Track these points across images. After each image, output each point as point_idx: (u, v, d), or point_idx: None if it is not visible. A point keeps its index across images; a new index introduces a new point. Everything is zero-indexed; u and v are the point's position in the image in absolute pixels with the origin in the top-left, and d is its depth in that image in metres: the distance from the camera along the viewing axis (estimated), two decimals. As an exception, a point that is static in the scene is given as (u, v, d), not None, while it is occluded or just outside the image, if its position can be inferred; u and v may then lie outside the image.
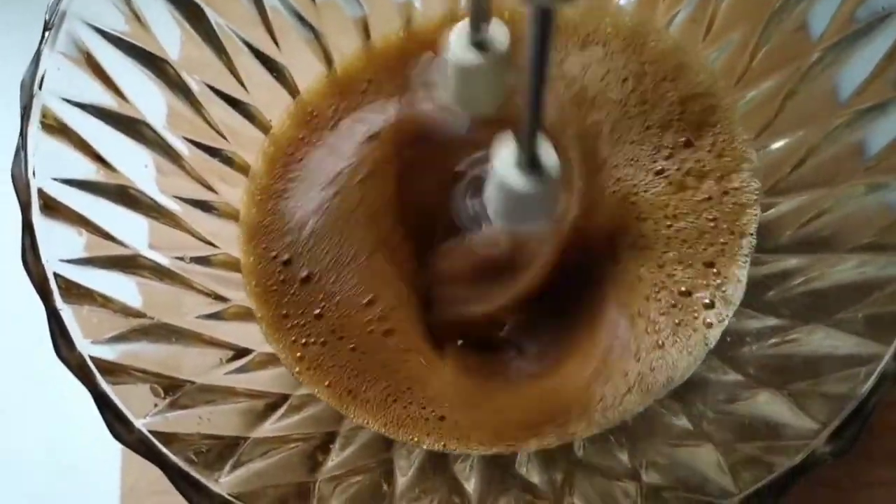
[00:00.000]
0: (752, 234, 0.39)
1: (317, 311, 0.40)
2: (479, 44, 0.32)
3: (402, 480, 0.36)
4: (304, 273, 0.41)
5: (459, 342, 0.40)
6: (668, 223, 0.40)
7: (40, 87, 0.35)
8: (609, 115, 0.42)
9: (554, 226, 0.38)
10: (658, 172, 0.40)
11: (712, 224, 0.39)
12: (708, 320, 0.38)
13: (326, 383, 0.39)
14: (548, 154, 0.30)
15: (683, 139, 0.41)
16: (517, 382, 0.40)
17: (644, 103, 0.42)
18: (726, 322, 0.38)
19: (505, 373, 0.40)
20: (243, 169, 0.43)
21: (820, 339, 0.34)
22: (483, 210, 0.37)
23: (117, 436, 0.31)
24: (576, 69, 0.43)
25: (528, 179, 0.30)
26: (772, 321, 0.36)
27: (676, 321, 0.38)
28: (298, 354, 0.39)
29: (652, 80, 0.42)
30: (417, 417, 0.38)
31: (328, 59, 0.45)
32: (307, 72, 0.44)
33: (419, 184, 0.42)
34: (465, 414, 0.38)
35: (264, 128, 0.44)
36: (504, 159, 0.30)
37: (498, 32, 0.32)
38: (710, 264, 0.39)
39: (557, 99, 0.41)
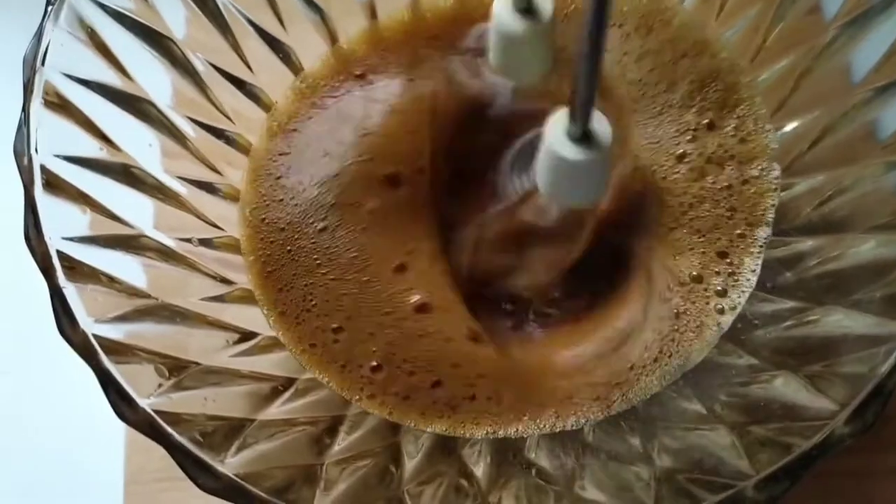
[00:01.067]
0: (768, 224, 0.38)
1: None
2: (525, 10, 0.32)
3: (409, 464, 0.35)
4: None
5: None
6: (685, 210, 0.39)
7: (43, 63, 0.34)
8: (629, 95, 0.41)
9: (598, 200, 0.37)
10: (680, 157, 0.40)
11: (729, 214, 0.39)
12: (720, 306, 0.37)
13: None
14: (600, 124, 0.30)
15: (707, 121, 0.40)
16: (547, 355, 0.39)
17: (663, 82, 0.41)
18: (738, 309, 0.37)
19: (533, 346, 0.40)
20: (248, 151, 0.42)
21: (837, 321, 0.33)
22: (527, 182, 0.37)
23: (121, 415, 0.30)
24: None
25: (580, 149, 0.30)
26: (787, 303, 0.36)
27: (687, 307, 0.38)
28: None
29: (671, 58, 0.41)
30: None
31: (334, 41, 0.44)
32: (313, 54, 0.44)
33: (455, 155, 0.41)
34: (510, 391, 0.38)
35: (269, 109, 0.43)
36: (556, 129, 0.30)
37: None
38: (724, 254, 0.38)
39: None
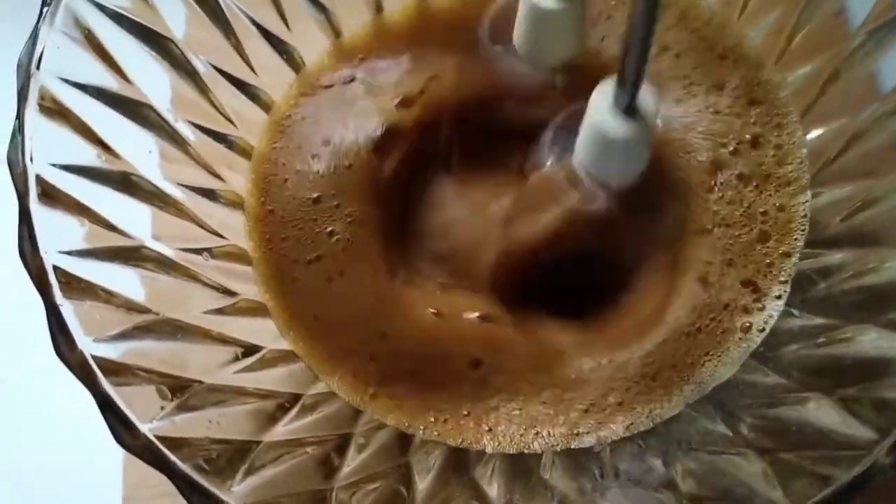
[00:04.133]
0: (797, 254, 0.37)
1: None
2: None
3: (421, 486, 0.34)
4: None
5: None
6: (711, 228, 0.38)
7: (38, 67, 0.33)
8: (669, 92, 0.39)
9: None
10: (716, 171, 0.38)
11: (761, 241, 0.37)
12: (746, 323, 0.36)
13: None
14: (647, 98, 0.30)
15: (749, 136, 0.38)
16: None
17: (706, 82, 0.39)
18: (767, 330, 0.36)
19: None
20: (250, 155, 0.41)
21: (871, 341, 0.32)
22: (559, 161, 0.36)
23: (122, 442, 0.29)
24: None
25: (627, 122, 0.29)
26: (816, 320, 0.34)
27: (711, 322, 0.36)
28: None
29: (714, 58, 0.40)
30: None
31: (338, 38, 0.43)
32: (318, 53, 0.43)
33: (466, 143, 0.40)
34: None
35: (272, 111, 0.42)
36: (601, 101, 0.30)
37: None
38: (750, 282, 0.37)
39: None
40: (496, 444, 0.36)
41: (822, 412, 0.31)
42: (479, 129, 0.41)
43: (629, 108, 0.29)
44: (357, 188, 0.40)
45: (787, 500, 0.28)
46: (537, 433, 0.36)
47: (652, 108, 0.29)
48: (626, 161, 0.32)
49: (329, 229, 0.39)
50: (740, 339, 0.36)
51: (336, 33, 0.43)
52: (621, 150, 0.31)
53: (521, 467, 0.35)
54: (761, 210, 0.37)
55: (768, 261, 0.37)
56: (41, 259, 0.31)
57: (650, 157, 0.32)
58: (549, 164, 0.38)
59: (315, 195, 0.39)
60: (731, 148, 0.38)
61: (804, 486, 0.28)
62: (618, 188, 0.34)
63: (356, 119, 0.41)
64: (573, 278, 0.39)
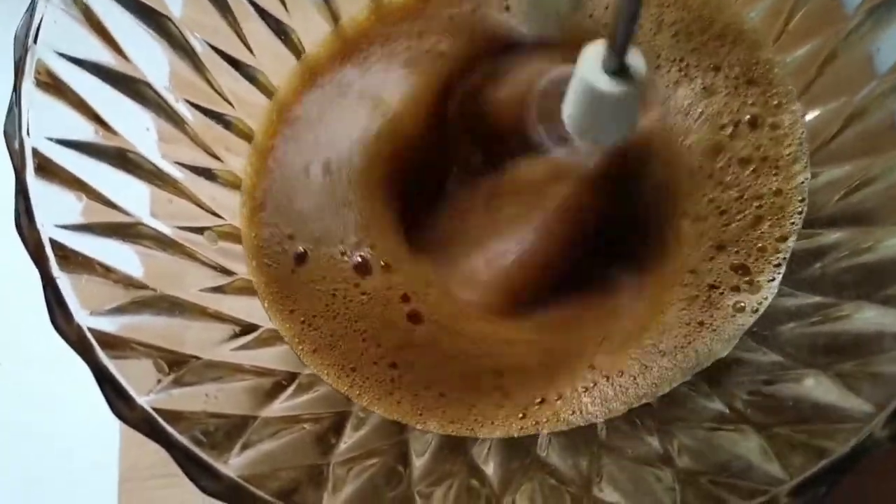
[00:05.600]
0: (792, 238, 0.37)
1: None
2: None
3: (418, 463, 0.34)
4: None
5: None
6: (706, 214, 0.38)
7: (35, 41, 0.32)
8: (667, 74, 0.39)
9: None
10: (714, 153, 0.38)
11: (754, 228, 0.37)
12: (740, 304, 0.36)
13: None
14: (635, 58, 0.30)
15: (749, 116, 0.38)
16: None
17: (703, 64, 0.39)
18: (761, 310, 0.36)
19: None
20: (248, 136, 0.41)
21: (868, 317, 0.32)
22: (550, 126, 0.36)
23: (119, 414, 0.29)
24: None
25: (616, 82, 0.30)
26: (812, 298, 0.34)
27: (701, 306, 0.36)
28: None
29: (710, 38, 0.40)
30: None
31: (336, 21, 0.43)
32: (315, 36, 0.43)
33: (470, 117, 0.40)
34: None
35: (270, 94, 0.42)
36: (590, 61, 0.30)
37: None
38: (742, 267, 0.37)
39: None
40: (491, 428, 0.36)
41: (819, 388, 0.31)
42: (476, 101, 0.41)
43: (619, 70, 0.30)
44: (359, 175, 0.40)
45: (784, 472, 0.28)
46: (525, 413, 0.36)
47: (640, 69, 0.30)
48: (616, 123, 0.32)
49: (326, 217, 0.39)
50: (732, 317, 0.36)
51: (335, 17, 0.43)
52: (612, 112, 0.31)
53: (517, 446, 0.35)
54: (758, 195, 0.37)
55: (761, 244, 0.37)
56: (38, 232, 0.31)
57: (637, 117, 0.33)
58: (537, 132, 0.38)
59: (314, 182, 0.40)
60: (729, 131, 0.38)
61: (801, 459, 0.28)
62: (608, 148, 0.35)
63: (355, 104, 0.41)
64: (567, 263, 0.39)
